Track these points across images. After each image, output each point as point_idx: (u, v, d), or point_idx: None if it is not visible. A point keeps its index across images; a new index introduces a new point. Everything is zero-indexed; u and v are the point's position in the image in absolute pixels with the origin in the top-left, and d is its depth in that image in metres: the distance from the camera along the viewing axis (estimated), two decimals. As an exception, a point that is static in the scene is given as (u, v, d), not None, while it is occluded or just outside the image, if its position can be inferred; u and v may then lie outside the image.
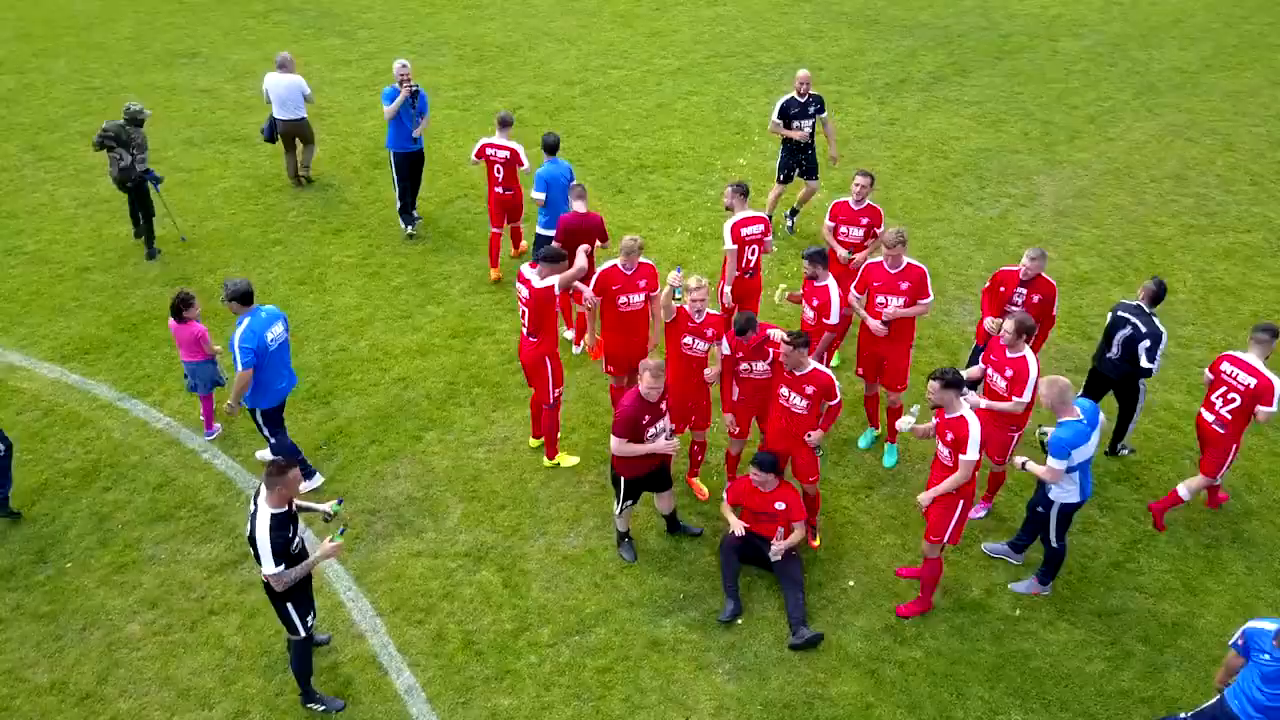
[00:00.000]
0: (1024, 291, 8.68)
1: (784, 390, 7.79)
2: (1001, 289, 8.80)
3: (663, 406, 7.53)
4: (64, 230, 12.75)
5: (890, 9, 21.80)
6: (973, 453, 7.00)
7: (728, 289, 9.72)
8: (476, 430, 9.43)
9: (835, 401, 7.73)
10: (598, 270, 8.75)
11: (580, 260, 8.60)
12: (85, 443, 9.22)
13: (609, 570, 7.99)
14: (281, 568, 6.24)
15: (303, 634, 6.64)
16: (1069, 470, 7.17)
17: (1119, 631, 7.57)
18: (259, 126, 15.55)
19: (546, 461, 9.01)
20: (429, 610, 7.63)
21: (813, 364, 7.70)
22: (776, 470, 7.64)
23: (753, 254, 9.65)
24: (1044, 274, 8.73)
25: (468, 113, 16.26)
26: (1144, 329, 8.50)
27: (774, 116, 12.21)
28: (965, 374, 8.12)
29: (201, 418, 9.34)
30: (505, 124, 11.38)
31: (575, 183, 10.36)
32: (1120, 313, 8.68)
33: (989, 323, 8.66)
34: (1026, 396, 7.74)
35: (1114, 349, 8.69)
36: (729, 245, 9.50)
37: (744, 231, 9.48)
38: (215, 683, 7.04)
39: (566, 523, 8.44)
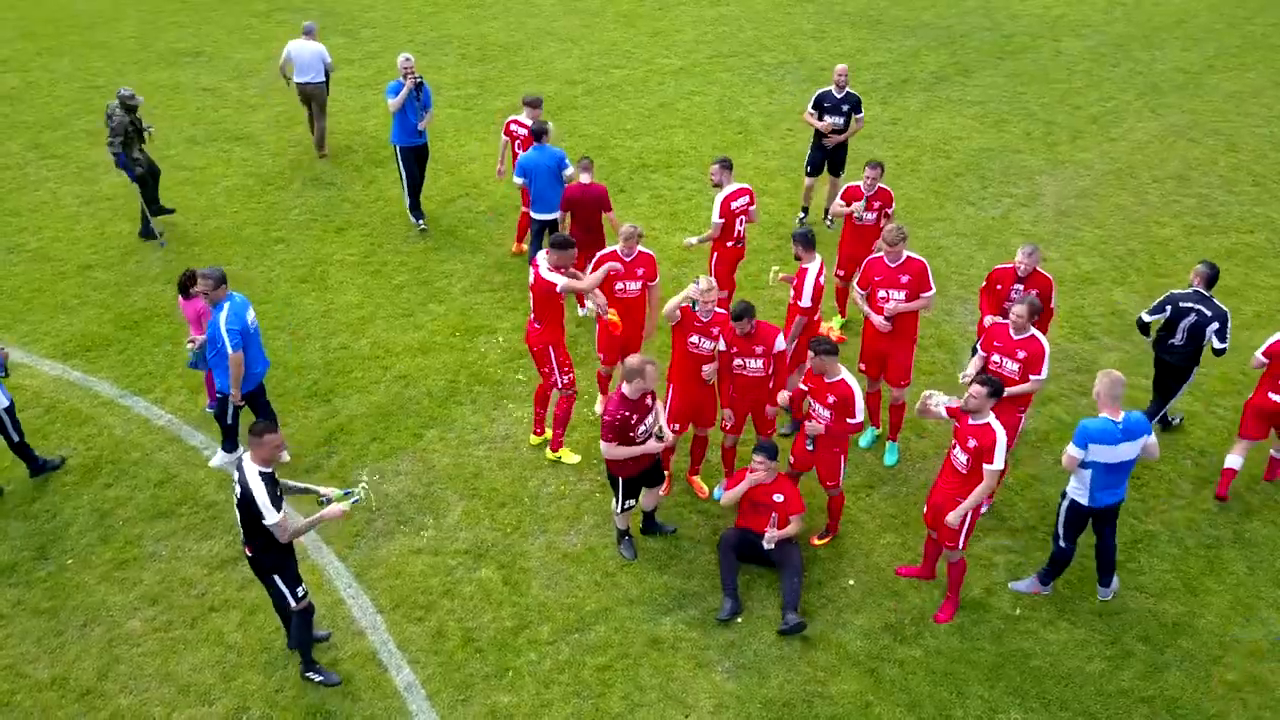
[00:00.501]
0: (1020, 288, 8.72)
1: (809, 399, 7.83)
2: (998, 287, 8.85)
3: (648, 402, 7.51)
4: (66, 228, 12.77)
5: (893, 9, 21.79)
6: (999, 462, 6.97)
7: (691, 241, 10.45)
8: (477, 428, 9.44)
9: (855, 421, 7.65)
10: (596, 254, 8.95)
11: (592, 278, 8.60)
12: (87, 439, 9.24)
13: (609, 568, 8.00)
14: (282, 514, 6.37)
15: (294, 604, 6.72)
16: (1082, 465, 7.15)
17: (1119, 631, 7.56)
18: (262, 125, 15.65)
19: (549, 454, 9.03)
20: (429, 607, 7.64)
21: (842, 374, 7.64)
22: (777, 459, 7.64)
23: (741, 224, 10.18)
24: (1039, 269, 8.78)
25: (470, 111, 16.28)
26: (1209, 313, 8.69)
27: (809, 106, 12.61)
28: (970, 367, 8.14)
29: (207, 390, 9.44)
30: (528, 104, 11.66)
31: (582, 156, 10.71)
32: (1182, 303, 8.84)
33: (989, 320, 8.67)
34: (1044, 373, 7.89)
35: (1179, 336, 8.85)
36: (717, 219, 9.96)
37: (733, 205, 10.00)
38: (215, 679, 7.06)
39: (567, 521, 8.44)
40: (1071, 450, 7.11)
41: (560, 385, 8.74)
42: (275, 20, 20.62)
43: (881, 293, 8.68)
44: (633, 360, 7.35)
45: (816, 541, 8.25)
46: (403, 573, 7.93)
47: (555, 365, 8.64)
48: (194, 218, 12.97)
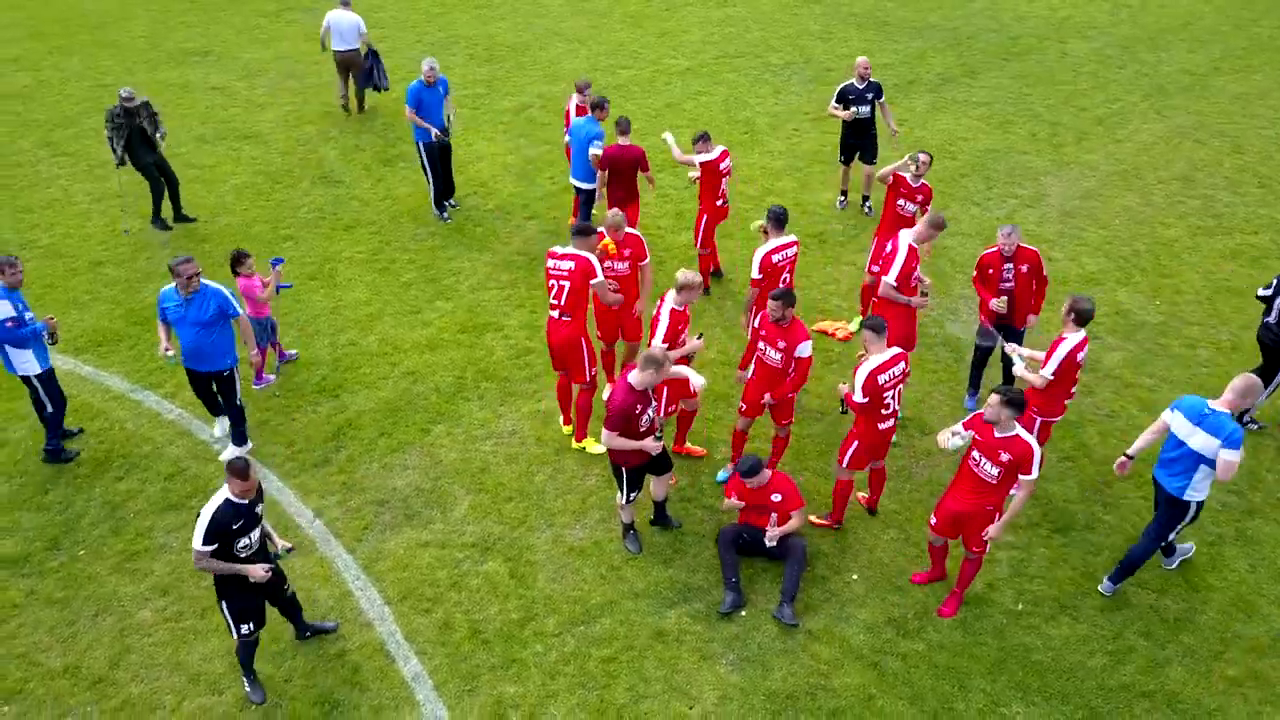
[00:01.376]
0: (1011, 266, 8.97)
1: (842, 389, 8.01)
2: (990, 271, 9.09)
3: (650, 393, 7.56)
4: (78, 225, 12.89)
5: (899, 10, 21.85)
6: (1035, 472, 6.95)
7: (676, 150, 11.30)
8: (484, 424, 9.51)
9: (855, 399, 7.74)
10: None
11: (608, 295, 8.87)
12: (98, 433, 9.34)
13: (614, 562, 8.07)
14: (210, 548, 6.32)
15: (234, 638, 6.72)
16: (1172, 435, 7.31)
17: (1121, 626, 7.61)
18: (271, 123, 15.77)
19: (575, 444, 9.17)
20: (436, 599, 7.71)
21: (870, 356, 7.71)
22: (759, 471, 7.66)
23: (724, 185, 11.14)
24: (1022, 244, 9.02)
25: (478, 111, 16.37)
26: None
27: (833, 101, 12.91)
28: (1027, 353, 8.29)
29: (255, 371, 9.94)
30: (578, 88, 12.37)
31: (620, 117, 11.38)
32: None
33: (994, 303, 8.97)
34: (1047, 371, 7.98)
35: (1273, 314, 9.12)
36: (695, 170, 11.05)
37: (720, 166, 10.96)
38: (225, 668, 7.13)
39: (573, 515, 8.52)
40: (1165, 412, 7.35)
41: (586, 379, 8.89)
42: (284, 20, 20.75)
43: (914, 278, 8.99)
44: (654, 352, 7.42)
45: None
46: (410, 565, 8.01)
47: (586, 358, 8.79)
48: (204, 215, 13.08)
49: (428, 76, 12.27)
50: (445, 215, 13.02)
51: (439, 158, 12.73)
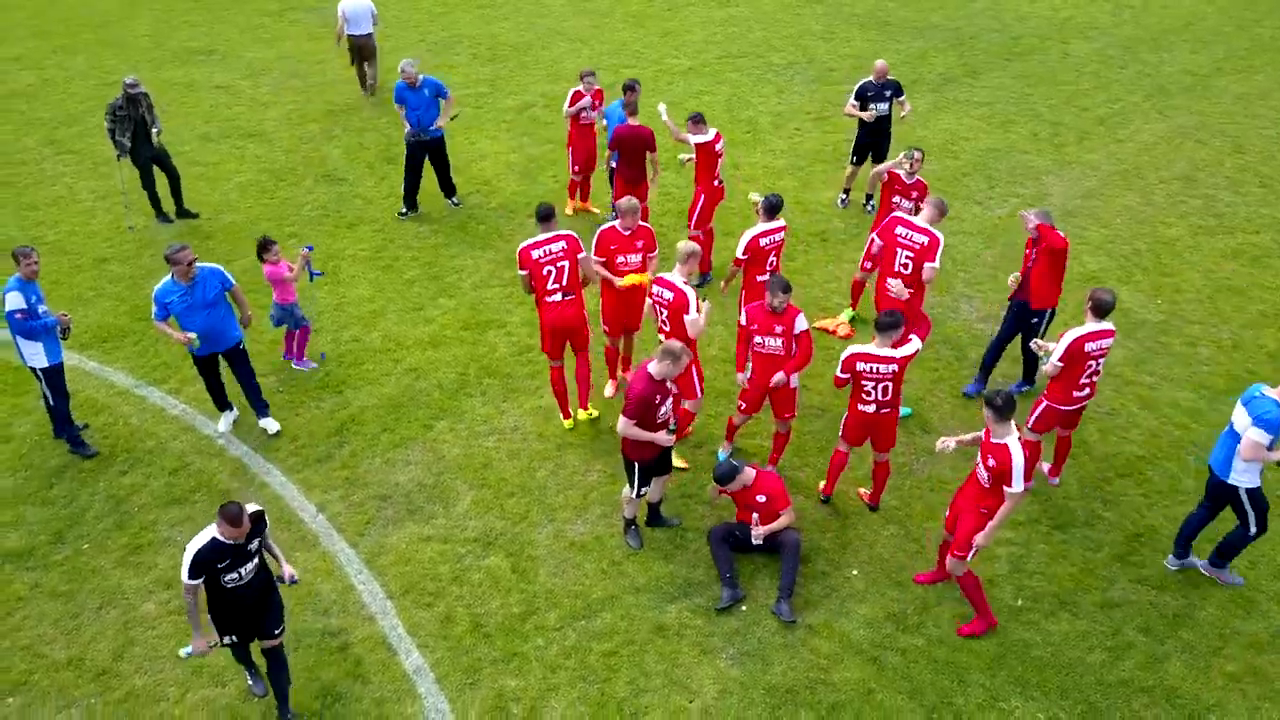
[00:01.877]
0: (1035, 249, 9.29)
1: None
2: (1026, 250, 9.54)
3: (670, 385, 7.63)
4: (82, 222, 12.95)
5: (901, 10, 21.87)
6: (1018, 485, 6.85)
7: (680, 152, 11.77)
8: (487, 420, 9.56)
9: (837, 374, 7.92)
10: (599, 229, 9.27)
11: (591, 269, 9.05)
12: (103, 428, 9.39)
13: (615, 557, 8.10)
14: (196, 581, 6.16)
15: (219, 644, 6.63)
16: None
17: (1120, 622, 7.63)
18: (274, 122, 15.83)
19: (582, 414, 9.40)
20: (438, 594, 7.75)
21: (850, 348, 7.85)
22: (734, 476, 7.71)
23: (719, 167, 11.33)
24: (1049, 225, 9.17)
25: (481, 110, 16.41)
26: None
27: (850, 99, 13.13)
28: (1051, 346, 8.32)
29: (285, 344, 10.35)
30: (582, 76, 12.85)
31: (628, 100, 11.77)
32: None
33: (1010, 278, 9.51)
34: (1053, 358, 8.10)
35: None
36: (690, 153, 11.30)
37: (716, 147, 11.18)
38: (228, 661, 7.16)
39: (574, 510, 8.55)
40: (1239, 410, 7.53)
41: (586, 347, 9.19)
42: (288, 20, 20.80)
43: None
44: (672, 345, 7.46)
45: (864, 492, 8.64)
46: (413, 560, 8.05)
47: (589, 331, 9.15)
48: (208, 213, 13.14)
49: (406, 78, 12.35)
50: (404, 213, 13.07)
51: (420, 157, 12.79)
